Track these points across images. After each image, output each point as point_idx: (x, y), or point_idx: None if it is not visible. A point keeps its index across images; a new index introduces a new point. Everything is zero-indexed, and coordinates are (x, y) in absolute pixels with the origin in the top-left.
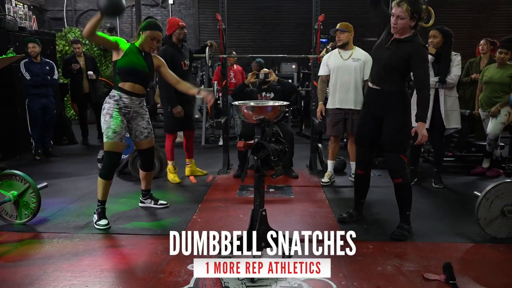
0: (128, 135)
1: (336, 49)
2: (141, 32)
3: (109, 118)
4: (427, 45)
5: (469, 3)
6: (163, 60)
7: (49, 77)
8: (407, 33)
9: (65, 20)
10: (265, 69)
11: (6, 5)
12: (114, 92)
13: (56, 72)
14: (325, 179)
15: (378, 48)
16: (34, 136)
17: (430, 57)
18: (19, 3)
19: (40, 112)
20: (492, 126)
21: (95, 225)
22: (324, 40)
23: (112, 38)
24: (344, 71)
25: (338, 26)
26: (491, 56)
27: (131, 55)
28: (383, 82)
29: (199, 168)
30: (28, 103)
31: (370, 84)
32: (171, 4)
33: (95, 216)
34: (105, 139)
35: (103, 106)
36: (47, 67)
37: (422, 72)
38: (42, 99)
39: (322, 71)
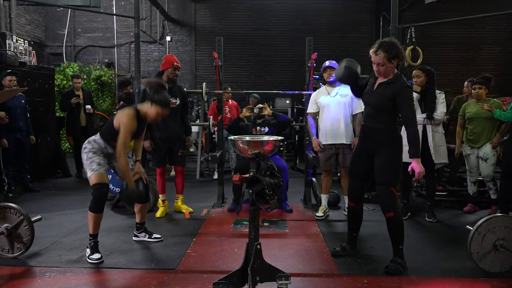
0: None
1: (323, 87)
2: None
3: (92, 155)
4: (411, 82)
5: (456, 42)
6: (123, 124)
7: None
8: (391, 75)
9: (64, 55)
10: (259, 104)
11: (7, 41)
12: (101, 140)
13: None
14: (319, 213)
15: (367, 92)
16: (7, 172)
17: (416, 95)
18: (19, 38)
19: (13, 148)
20: (485, 169)
21: (87, 259)
22: (317, 77)
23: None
24: (333, 107)
25: (327, 63)
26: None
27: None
28: (374, 121)
29: (186, 206)
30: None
31: (363, 122)
32: (169, 41)
33: (88, 250)
34: (90, 173)
35: (84, 146)
36: (23, 101)
37: (408, 111)
38: (16, 133)
39: (311, 109)
